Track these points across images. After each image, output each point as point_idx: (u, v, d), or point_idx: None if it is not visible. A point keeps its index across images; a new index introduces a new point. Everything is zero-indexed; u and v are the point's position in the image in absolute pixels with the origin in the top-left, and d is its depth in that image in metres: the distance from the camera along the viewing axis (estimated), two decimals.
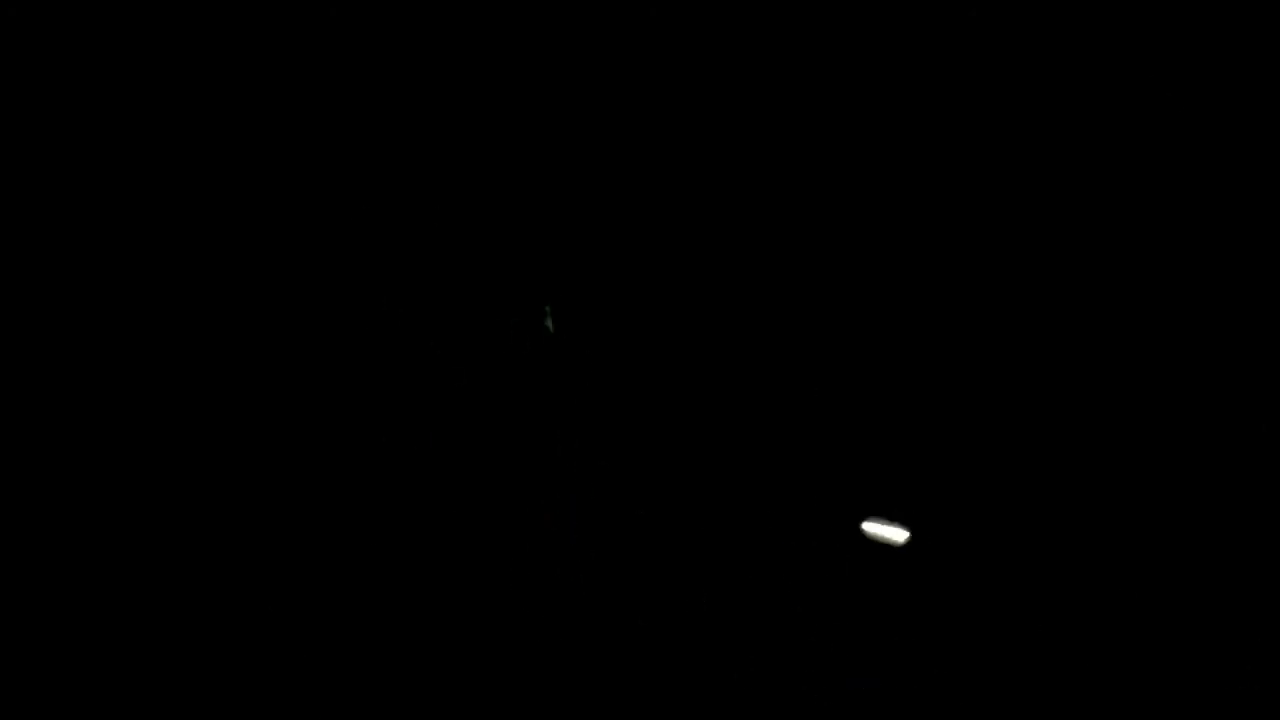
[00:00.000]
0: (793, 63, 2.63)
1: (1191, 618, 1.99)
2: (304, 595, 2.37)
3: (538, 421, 2.50)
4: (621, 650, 2.17)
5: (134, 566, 2.46)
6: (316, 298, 2.53)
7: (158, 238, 2.60)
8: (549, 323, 2.47)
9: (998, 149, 2.63)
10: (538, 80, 2.78)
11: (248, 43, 2.72)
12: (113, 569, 2.47)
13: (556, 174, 2.67)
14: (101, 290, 2.61)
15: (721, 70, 2.74)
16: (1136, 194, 2.44)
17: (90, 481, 2.50)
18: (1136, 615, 1.97)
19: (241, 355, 2.51)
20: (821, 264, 2.55)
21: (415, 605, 2.34)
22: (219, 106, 2.73)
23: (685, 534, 2.20)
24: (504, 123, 2.76)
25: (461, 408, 2.53)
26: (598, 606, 2.22)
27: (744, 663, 2.13)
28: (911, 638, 2.00)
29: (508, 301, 2.62)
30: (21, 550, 2.56)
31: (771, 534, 2.15)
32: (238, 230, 2.56)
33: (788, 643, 2.10)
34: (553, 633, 2.27)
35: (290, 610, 2.37)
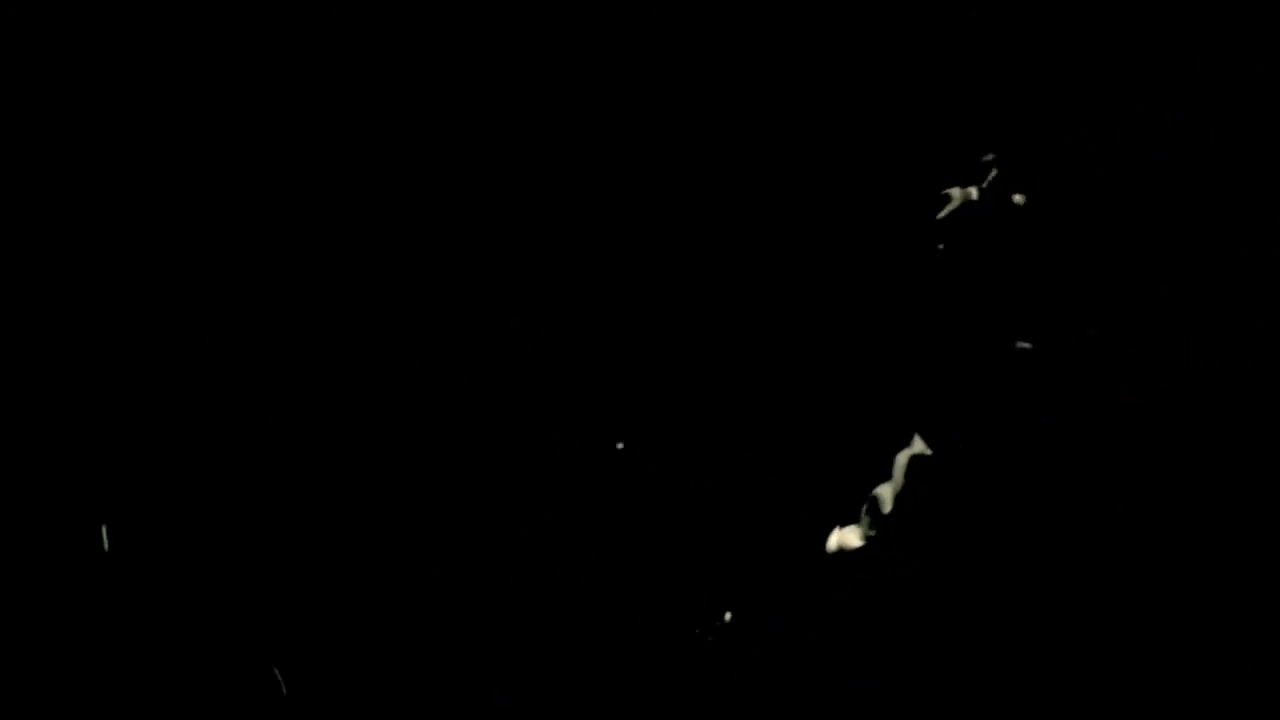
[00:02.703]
0: (792, 62, 2.70)
1: (1194, 618, 2.07)
2: (302, 594, 2.35)
3: (538, 422, 2.45)
4: (622, 650, 2.19)
5: (133, 566, 2.45)
6: (314, 297, 2.52)
7: (158, 238, 2.62)
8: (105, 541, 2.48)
9: (998, 148, 2.75)
10: (538, 80, 2.76)
11: (248, 42, 2.71)
12: (113, 568, 2.47)
13: (555, 174, 2.69)
14: (101, 290, 2.63)
15: (721, 70, 2.77)
16: (1138, 194, 2.54)
17: (90, 480, 2.51)
18: (1139, 614, 2.06)
19: (238, 355, 2.51)
20: (820, 266, 2.60)
21: (414, 605, 2.32)
22: (219, 106, 2.73)
23: (685, 533, 2.25)
24: (504, 123, 2.76)
25: (461, 408, 2.50)
26: (598, 606, 2.23)
27: (744, 663, 2.17)
28: (911, 638, 2.07)
29: (508, 301, 2.59)
30: (21, 550, 2.55)
31: (771, 533, 2.22)
32: (237, 230, 2.58)
33: (788, 643, 2.15)
34: (553, 633, 2.26)
35: (289, 609, 2.34)
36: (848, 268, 2.70)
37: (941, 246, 2.64)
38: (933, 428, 2.57)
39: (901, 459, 2.54)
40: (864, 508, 2.54)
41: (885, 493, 2.54)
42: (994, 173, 2.62)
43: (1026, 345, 2.57)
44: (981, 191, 2.62)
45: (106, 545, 2.60)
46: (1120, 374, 2.53)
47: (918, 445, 2.55)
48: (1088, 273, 2.60)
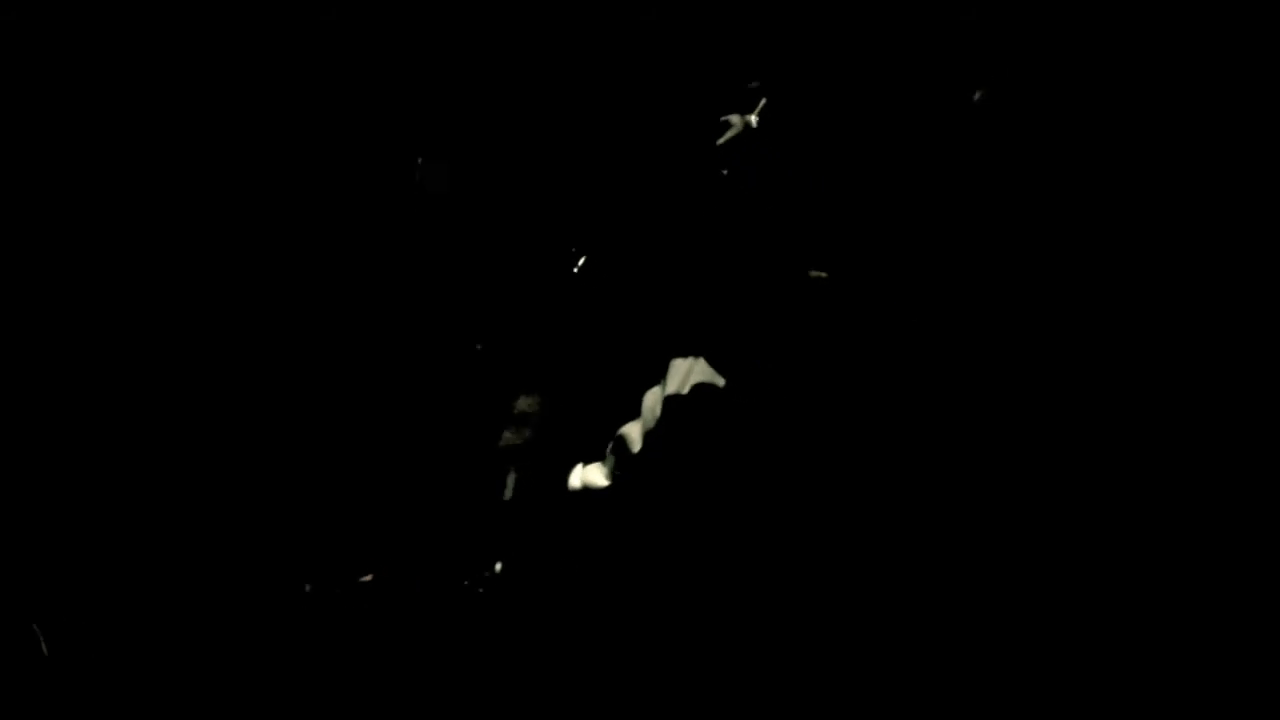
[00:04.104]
0: (792, 61, 2.66)
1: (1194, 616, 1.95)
2: (304, 590, 2.39)
3: (541, 417, 2.46)
4: (622, 649, 2.18)
5: (134, 566, 2.48)
6: (319, 292, 2.55)
7: (157, 238, 2.66)
8: None
9: (998, 148, 2.65)
10: (537, 79, 2.77)
11: (248, 43, 2.74)
12: (113, 568, 2.50)
13: (553, 174, 2.70)
14: (101, 290, 2.67)
15: (721, 69, 2.76)
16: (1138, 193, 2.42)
17: (90, 480, 2.54)
18: (1137, 611, 1.96)
19: (245, 349, 2.54)
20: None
21: (414, 603, 2.35)
22: (219, 107, 2.75)
23: (686, 533, 2.24)
24: (505, 121, 2.77)
25: (463, 405, 2.51)
26: (598, 606, 2.23)
27: (744, 662, 2.15)
28: (911, 637, 2.01)
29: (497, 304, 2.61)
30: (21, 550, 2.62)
31: (771, 533, 2.18)
32: (240, 227, 2.61)
33: (788, 642, 2.12)
34: (554, 632, 2.26)
35: (289, 606, 2.38)
36: (612, 196, 2.59)
37: (725, 172, 2.50)
38: (722, 357, 2.44)
39: (650, 398, 2.42)
40: (609, 446, 2.44)
41: (633, 431, 2.43)
42: (764, 101, 2.46)
43: (822, 274, 2.42)
44: (759, 119, 2.47)
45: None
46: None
47: (671, 385, 2.43)
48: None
